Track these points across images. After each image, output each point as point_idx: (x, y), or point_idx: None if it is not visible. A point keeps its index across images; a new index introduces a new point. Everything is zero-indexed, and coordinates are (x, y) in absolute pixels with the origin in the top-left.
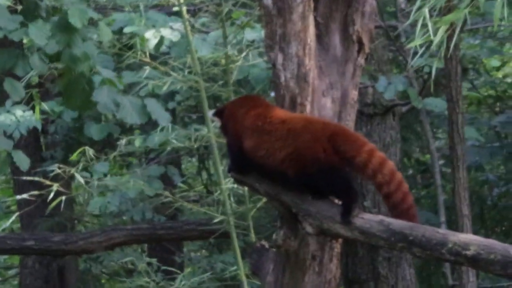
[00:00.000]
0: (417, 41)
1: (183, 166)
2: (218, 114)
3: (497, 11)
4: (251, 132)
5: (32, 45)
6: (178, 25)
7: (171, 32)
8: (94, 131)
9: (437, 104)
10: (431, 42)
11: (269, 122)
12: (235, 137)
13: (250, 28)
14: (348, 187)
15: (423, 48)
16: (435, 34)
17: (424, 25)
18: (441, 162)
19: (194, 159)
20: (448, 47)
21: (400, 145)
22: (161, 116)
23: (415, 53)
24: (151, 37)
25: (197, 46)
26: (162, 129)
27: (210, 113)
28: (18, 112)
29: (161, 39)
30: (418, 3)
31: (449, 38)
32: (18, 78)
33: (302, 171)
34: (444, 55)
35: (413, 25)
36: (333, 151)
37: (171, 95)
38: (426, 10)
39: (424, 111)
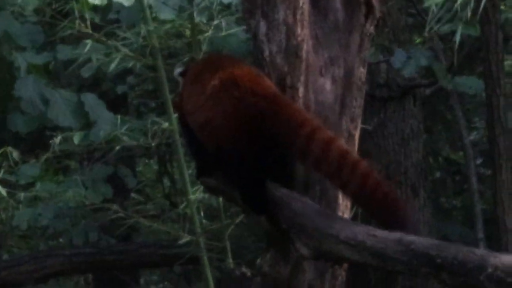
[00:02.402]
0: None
1: (138, 170)
2: (183, 74)
3: None
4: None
5: None
6: None
7: None
8: (20, 123)
9: (472, 83)
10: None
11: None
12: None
13: None
14: (255, 193)
15: (444, 10)
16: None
17: None
18: (479, 161)
19: (152, 161)
20: (484, 10)
21: (423, 139)
22: (102, 116)
23: (439, 20)
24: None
25: (155, 8)
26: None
27: (176, 71)
28: None
29: (109, 2)
30: None
31: None
32: None
33: (217, 149)
34: (480, 19)
35: None
36: (259, 134)
37: (120, 76)
38: None
39: (455, 94)
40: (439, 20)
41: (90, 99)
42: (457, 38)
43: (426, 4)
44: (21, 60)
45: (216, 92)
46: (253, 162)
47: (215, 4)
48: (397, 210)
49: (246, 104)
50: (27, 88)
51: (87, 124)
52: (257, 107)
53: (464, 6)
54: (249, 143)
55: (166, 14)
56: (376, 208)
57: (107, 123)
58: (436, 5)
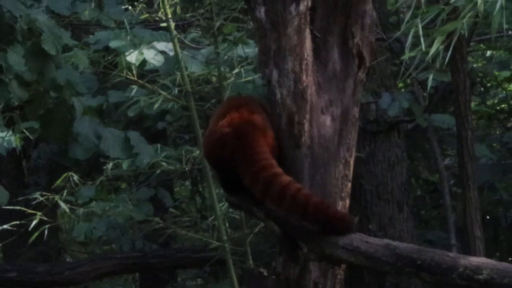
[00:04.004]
0: (408, 54)
1: (176, 190)
2: None
3: (495, 17)
4: None
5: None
6: (163, 44)
7: (154, 54)
8: (80, 152)
9: (445, 120)
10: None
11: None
12: None
13: (243, 43)
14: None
15: (417, 60)
16: (430, 45)
17: (419, 36)
18: (452, 181)
19: (187, 182)
20: (454, 60)
21: (406, 164)
22: (144, 150)
23: (417, 66)
24: (133, 60)
25: (187, 63)
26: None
27: None
28: None
29: (143, 62)
30: (409, 15)
31: (456, 49)
32: None
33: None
34: (451, 68)
35: (417, 36)
36: (221, 158)
37: (160, 115)
38: (418, 20)
39: (431, 128)
40: (416, 68)
41: (134, 136)
42: (429, 84)
43: (403, 57)
44: (77, 104)
45: (214, 121)
46: (220, 174)
47: (235, 56)
48: (336, 219)
49: (219, 130)
50: (84, 126)
51: (131, 155)
52: (225, 136)
53: (434, 57)
54: (214, 162)
55: (195, 67)
56: (315, 219)
57: (147, 154)
58: (411, 57)
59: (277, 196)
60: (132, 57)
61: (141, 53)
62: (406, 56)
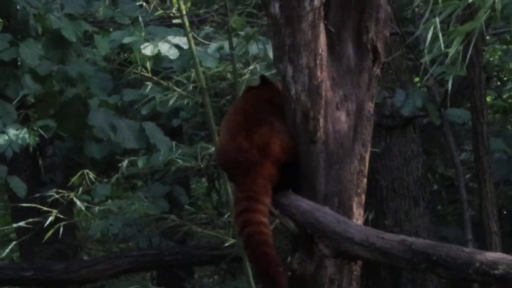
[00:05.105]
0: (428, 56)
1: (192, 186)
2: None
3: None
4: None
5: (23, 65)
6: (177, 39)
7: (169, 48)
8: (95, 150)
9: (460, 114)
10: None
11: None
12: None
13: (255, 40)
14: None
15: (441, 58)
16: (450, 45)
17: (437, 36)
18: (467, 176)
19: (203, 179)
20: (469, 55)
21: (422, 159)
22: (160, 140)
23: (433, 61)
24: (148, 52)
25: (201, 58)
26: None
27: None
28: (11, 131)
29: (158, 56)
30: (427, 14)
31: (469, 45)
32: (11, 99)
33: None
34: (466, 62)
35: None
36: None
37: (175, 112)
38: (437, 20)
39: (447, 123)
40: (433, 63)
41: (150, 126)
42: (449, 83)
43: (423, 60)
44: (93, 98)
45: (232, 128)
46: None
47: (250, 52)
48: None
49: (227, 145)
50: (99, 118)
51: (148, 148)
52: (228, 150)
53: (454, 59)
54: (223, 168)
55: (209, 62)
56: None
57: (164, 146)
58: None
59: (239, 229)
60: (147, 50)
61: (156, 46)
62: (426, 58)
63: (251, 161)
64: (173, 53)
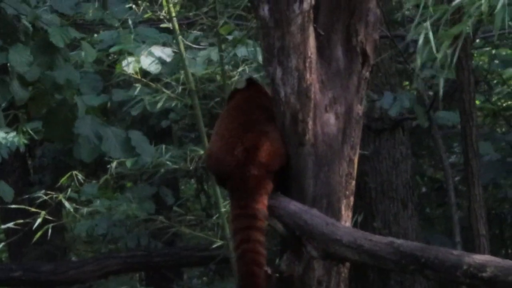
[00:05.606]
0: (419, 60)
1: (181, 188)
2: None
3: (498, 17)
4: None
5: (12, 70)
6: (160, 50)
7: (161, 50)
8: (84, 153)
9: (449, 117)
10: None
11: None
12: None
13: (243, 43)
14: None
15: (429, 61)
16: (439, 49)
17: (428, 40)
18: (456, 178)
19: (192, 181)
20: (458, 58)
21: (411, 162)
22: (145, 150)
23: (422, 65)
24: (130, 70)
25: (189, 63)
26: (157, 149)
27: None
28: (0, 134)
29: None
30: (417, 19)
31: (460, 48)
32: None
33: None
34: (455, 65)
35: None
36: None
37: (165, 113)
38: (428, 24)
39: (436, 126)
40: (423, 66)
41: (136, 136)
42: (440, 88)
43: (414, 64)
44: (80, 103)
45: (227, 134)
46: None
47: (239, 55)
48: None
49: (222, 155)
50: (85, 126)
51: (133, 156)
52: (225, 163)
53: (443, 63)
54: (215, 175)
55: (196, 69)
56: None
57: (148, 155)
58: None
59: (235, 244)
60: (130, 67)
61: (138, 62)
62: (418, 62)
63: (252, 178)
64: (155, 68)
